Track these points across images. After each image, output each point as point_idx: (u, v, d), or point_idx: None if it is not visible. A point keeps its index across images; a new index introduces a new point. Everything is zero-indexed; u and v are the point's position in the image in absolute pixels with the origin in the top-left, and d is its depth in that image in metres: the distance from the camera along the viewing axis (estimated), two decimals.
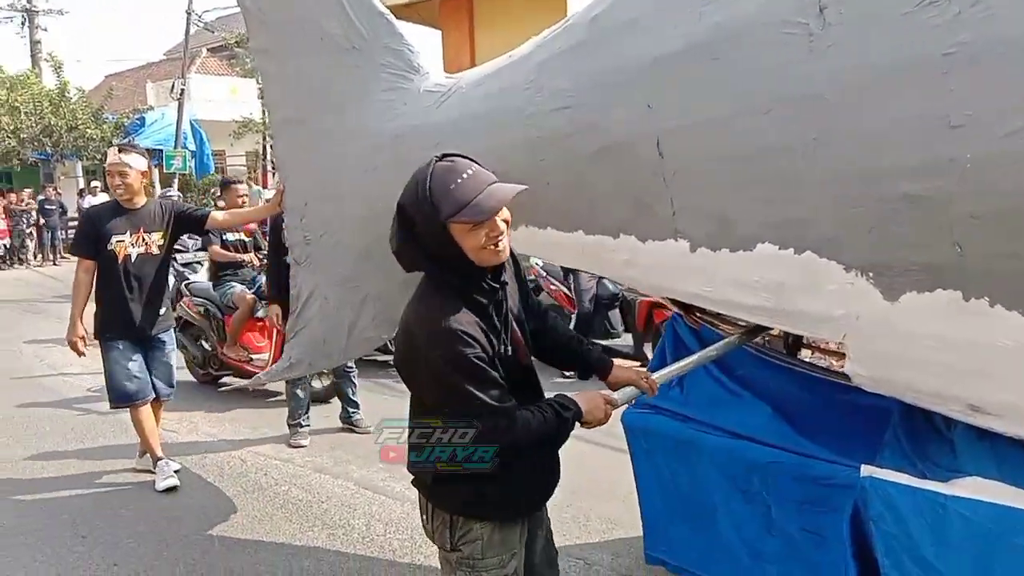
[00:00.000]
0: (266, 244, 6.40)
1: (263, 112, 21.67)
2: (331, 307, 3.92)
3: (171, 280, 7.34)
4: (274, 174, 18.10)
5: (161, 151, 19.56)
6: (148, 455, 5.00)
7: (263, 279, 6.45)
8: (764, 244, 2.30)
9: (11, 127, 21.83)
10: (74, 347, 4.72)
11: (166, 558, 4.01)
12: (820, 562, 2.51)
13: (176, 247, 8.72)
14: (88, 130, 22.37)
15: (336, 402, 6.16)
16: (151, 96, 25.44)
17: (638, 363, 2.69)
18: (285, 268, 5.37)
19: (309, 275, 4.01)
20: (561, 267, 7.73)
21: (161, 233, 4.74)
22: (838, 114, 2.04)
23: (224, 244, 7.14)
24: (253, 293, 6.94)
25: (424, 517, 2.25)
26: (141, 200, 4.76)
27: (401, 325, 2.12)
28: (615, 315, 7.89)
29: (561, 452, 2.26)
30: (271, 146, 17.94)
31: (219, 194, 11.85)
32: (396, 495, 4.61)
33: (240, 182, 7.46)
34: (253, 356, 6.92)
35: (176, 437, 5.84)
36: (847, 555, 2.39)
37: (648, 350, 6.90)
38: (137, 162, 4.71)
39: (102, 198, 16.75)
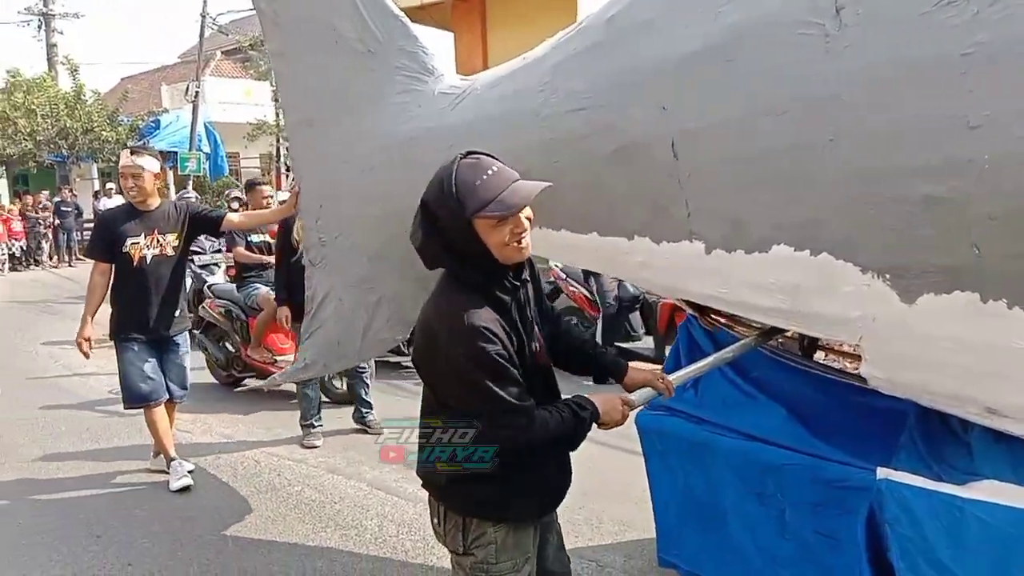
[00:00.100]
0: None
1: (277, 114, 21.75)
2: (346, 308, 3.93)
3: (188, 282, 7.36)
4: (288, 176, 18.18)
5: (176, 153, 19.69)
6: (162, 455, 5.03)
7: None
8: (780, 246, 2.29)
9: (27, 129, 21.99)
10: (80, 348, 4.75)
11: (180, 558, 4.03)
12: (834, 565, 2.49)
13: (194, 249, 8.78)
14: (103, 132, 22.49)
15: None
16: (166, 99, 25.56)
17: (658, 366, 2.70)
18: (295, 270, 5.45)
19: (324, 276, 4.02)
20: (582, 269, 7.65)
21: (176, 234, 4.77)
22: (855, 115, 2.04)
23: (248, 246, 7.13)
24: None
25: (435, 520, 2.25)
26: (155, 202, 4.78)
27: (420, 322, 2.11)
28: (636, 317, 7.82)
29: (573, 454, 2.26)
30: (286, 148, 18.01)
31: (232, 196, 11.88)
32: (409, 496, 4.62)
33: (265, 183, 7.47)
34: (277, 358, 6.88)
35: (190, 438, 5.86)
36: (862, 558, 2.38)
37: None
38: (150, 164, 4.73)
39: (117, 200, 16.88)
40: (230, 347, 7.25)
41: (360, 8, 3.56)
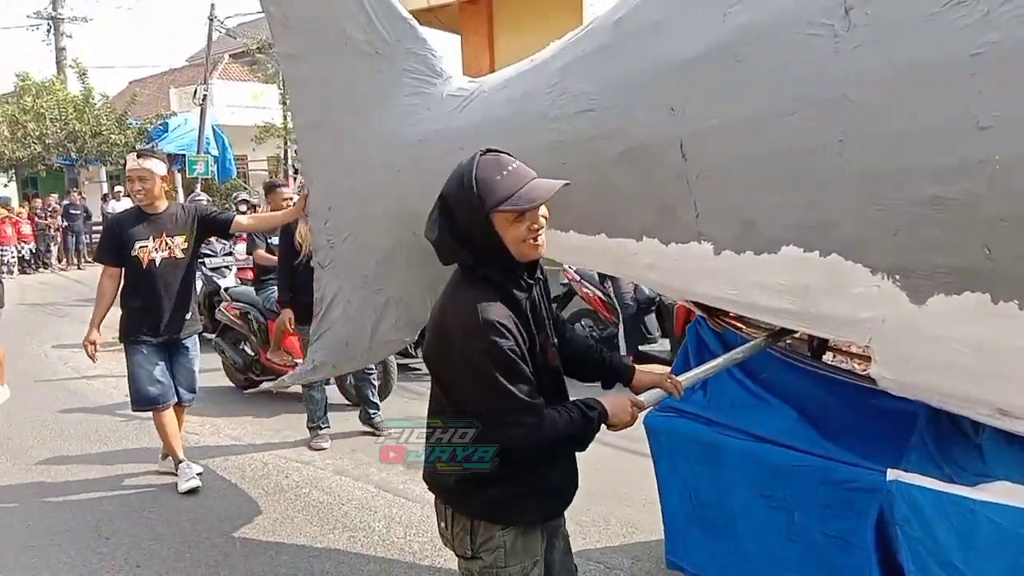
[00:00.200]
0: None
1: (284, 117, 21.80)
2: (354, 310, 3.94)
3: (199, 284, 7.33)
4: (295, 178, 18.20)
5: (184, 156, 19.73)
6: (171, 457, 5.04)
7: None
8: (789, 247, 2.28)
9: (37, 133, 22.08)
10: (86, 350, 4.77)
11: (188, 559, 4.04)
12: (843, 567, 2.48)
13: (205, 251, 8.79)
14: (112, 136, 22.56)
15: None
16: (174, 102, 25.63)
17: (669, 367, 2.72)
18: (297, 272, 5.44)
19: (332, 278, 4.03)
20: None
21: (184, 236, 4.78)
22: (864, 116, 2.03)
23: (269, 248, 7.09)
24: None
25: (443, 524, 2.24)
26: (162, 204, 4.79)
27: (432, 319, 2.12)
28: (652, 320, 7.67)
29: (581, 456, 2.26)
30: (294, 151, 18.02)
31: (239, 198, 11.89)
32: (416, 498, 4.62)
33: (285, 185, 7.44)
34: (298, 361, 6.79)
35: (198, 440, 5.87)
36: (872, 560, 2.36)
37: None
38: (156, 167, 4.74)
39: (126, 203, 16.95)
40: (249, 350, 7.18)
41: (368, 10, 3.57)
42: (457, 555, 2.22)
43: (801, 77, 2.15)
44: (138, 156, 4.78)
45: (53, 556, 4.10)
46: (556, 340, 2.27)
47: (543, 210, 2.01)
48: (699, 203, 2.49)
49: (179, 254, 4.76)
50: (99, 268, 4.87)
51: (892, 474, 2.30)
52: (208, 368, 6.04)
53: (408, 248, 3.56)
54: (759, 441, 2.76)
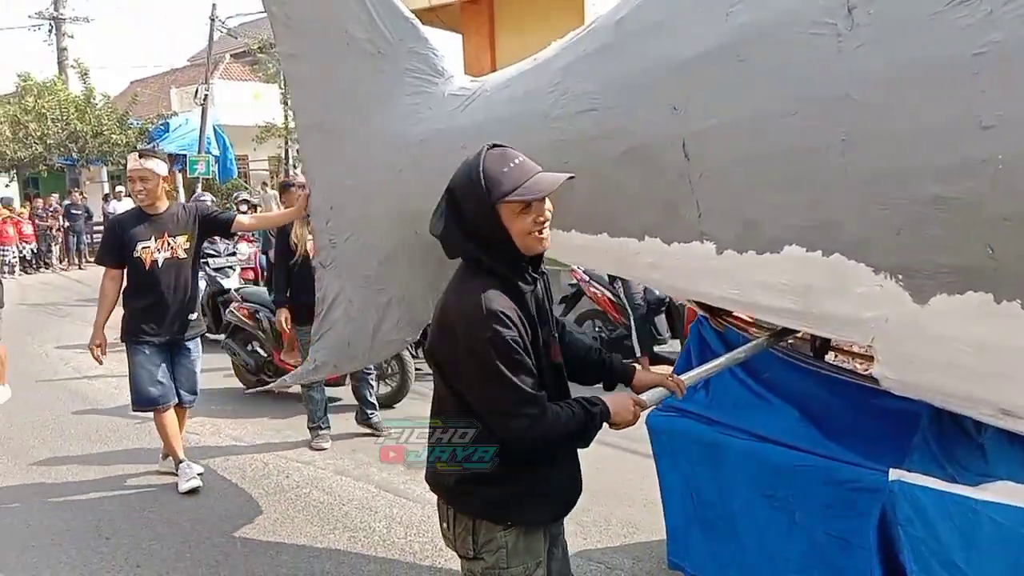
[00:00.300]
0: None
1: (286, 117, 21.80)
2: (356, 310, 3.94)
3: (202, 284, 7.27)
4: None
5: (185, 156, 19.73)
6: (171, 457, 5.03)
7: None
8: (791, 246, 2.28)
9: (38, 133, 22.09)
10: (93, 353, 4.77)
11: (188, 559, 4.04)
12: (845, 567, 2.48)
13: (208, 251, 8.77)
14: (113, 135, 22.57)
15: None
16: (175, 102, 25.65)
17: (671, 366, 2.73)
18: (293, 272, 5.44)
19: (334, 278, 4.03)
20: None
21: (186, 236, 4.77)
22: (867, 115, 2.03)
23: None
24: None
25: (445, 525, 2.24)
26: (163, 205, 4.78)
27: (436, 312, 2.13)
28: (662, 320, 7.59)
29: (582, 456, 2.26)
30: (296, 151, 18.00)
31: (240, 198, 11.90)
32: (417, 498, 4.62)
33: (301, 184, 7.40)
34: None
35: (199, 440, 5.87)
36: (873, 560, 2.37)
37: None
38: (158, 167, 4.73)
39: (127, 203, 16.96)
40: (262, 351, 7.05)
41: (370, 10, 3.57)
42: (459, 556, 2.22)
43: (803, 76, 2.15)
44: (140, 156, 4.76)
45: (54, 556, 4.10)
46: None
47: (548, 204, 2.04)
48: (701, 202, 2.49)
49: (181, 254, 4.75)
50: (100, 267, 4.87)
51: (894, 474, 2.31)
52: (209, 368, 6.04)
53: (410, 248, 3.56)
54: (761, 441, 2.76)
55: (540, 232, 2.03)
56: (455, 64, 3.70)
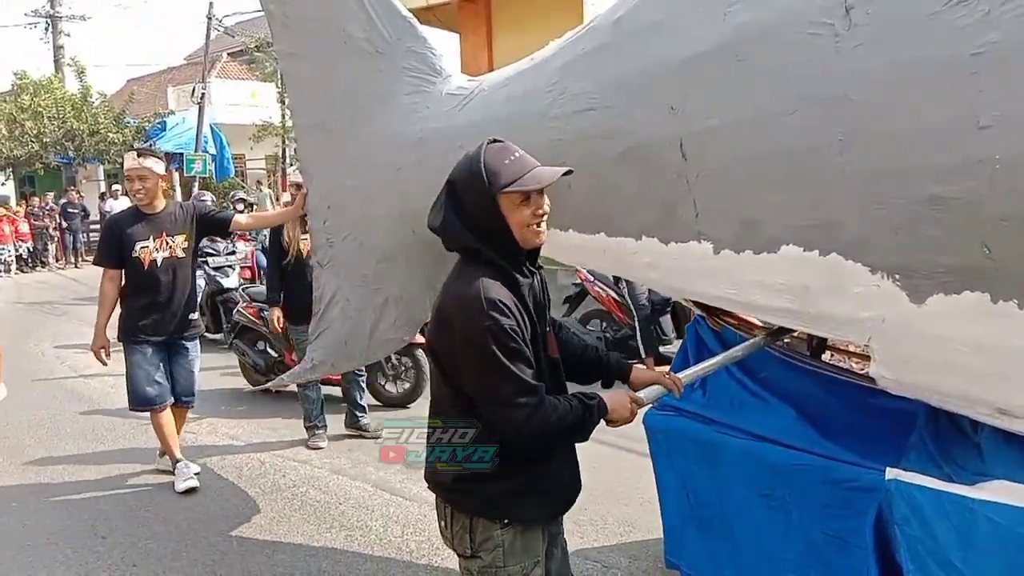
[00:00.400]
0: None
1: (283, 116, 21.77)
2: (353, 309, 3.94)
3: (201, 283, 7.22)
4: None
5: (182, 155, 19.69)
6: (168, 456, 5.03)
7: None
8: (789, 246, 2.28)
9: (34, 131, 22.02)
10: (97, 356, 4.76)
11: (185, 558, 4.03)
12: (842, 567, 2.48)
13: (208, 251, 8.75)
14: (110, 134, 22.51)
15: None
16: (172, 100, 25.61)
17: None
18: (286, 272, 5.45)
19: (331, 277, 4.02)
20: None
21: (184, 235, 4.76)
22: (864, 115, 2.03)
23: None
24: None
25: (443, 523, 2.24)
26: (160, 204, 4.77)
27: (436, 306, 2.15)
28: (667, 321, 7.55)
29: (578, 455, 2.26)
30: (293, 150, 17.95)
31: (236, 197, 11.87)
32: (413, 497, 4.62)
33: (298, 185, 7.35)
34: None
35: (195, 439, 5.86)
36: (870, 559, 2.37)
37: None
38: (156, 166, 4.73)
39: (123, 202, 16.92)
40: (272, 351, 6.93)
41: (368, 9, 3.57)
42: (457, 554, 2.22)
43: (801, 76, 2.15)
44: (138, 155, 4.75)
45: (49, 555, 4.10)
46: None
47: (547, 200, 2.08)
48: (699, 202, 2.49)
49: (180, 253, 4.74)
50: (96, 266, 4.85)
51: (891, 473, 2.31)
52: (206, 367, 6.02)
53: (408, 247, 3.56)
54: (758, 440, 2.77)
55: (538, 225, 2.07)
56: (452, 64, 3.70)
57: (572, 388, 2.22)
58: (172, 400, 4.89)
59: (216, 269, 9.10)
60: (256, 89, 25.87)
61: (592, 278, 7.57)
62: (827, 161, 2.12)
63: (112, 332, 4.78)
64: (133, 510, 4.66)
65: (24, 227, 19.83)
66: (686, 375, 2.45)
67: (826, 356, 3.29)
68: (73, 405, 6.97)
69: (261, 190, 20.24)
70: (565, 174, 2.07)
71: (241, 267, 9.76)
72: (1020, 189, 1.80)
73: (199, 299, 6.09)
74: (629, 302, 7.29)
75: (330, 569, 3.88)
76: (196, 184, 18.14)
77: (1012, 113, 1.79)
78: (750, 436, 2.80)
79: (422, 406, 6.23)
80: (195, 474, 4.97)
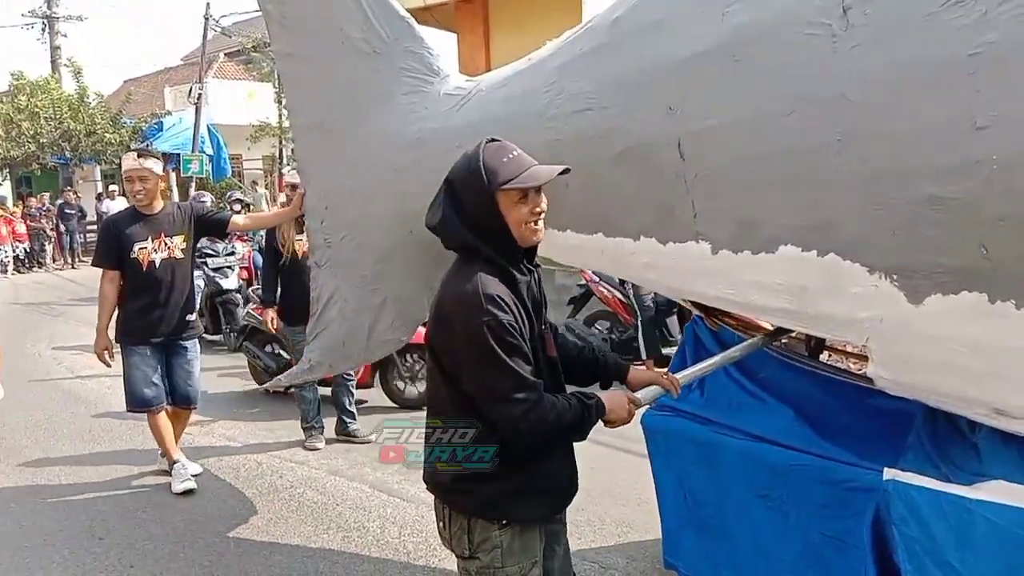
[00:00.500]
0: None
1: (280, 116, 21.74)
2: (351, 309, 3.93)
3: (200, 284, 7.18)
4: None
5: (179, 155, 19.68)
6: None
7: None
8: (787, 246, 2.29)
9: (31, 132, 22.01)
10: (101, 358, 4.74)
11: (182, 559, 4.02)
12: (839, 567, 2.49)
13: (207, 252, 8.74)
14: (107, 135, 22.51)
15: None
16: (169, 101, 25.57)
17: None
18: (282, 273, 5.46)
19: (329, 278, 4.02)
20: None
21: (183, 236, 4.75)
22: (862, 115, 2.03)
23: None
24: None
25: (441, 524, 2.24)
26: (159, 205, 4.76)
27: (436, 301, 2.16)
28: (673, 322, 7.43)
29: (576, 456, 2.26)
30: (290, 150, 17.93)
31: (233, 198, 11.85)
32: (411, 498, 4.61)
33: (294, 186, 7.34)
34: None
35: (192, 440, 5.84)
36: (867, 560, 2.37)
37: None
38: (156, 167, 4.72)
39: (120, 202, 16.90)
40: (284, 353, 6.60)
41: (366, 9, 3.57)
42: (455, 555, 2.22)
43: (799, 77, 2.15)
44: (139, 156, 4.73)
45: (47, 556, 4.09)
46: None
47: (544, 199, 2.10)
48: (697, 203, 2.49)
49: (178, 254, 4.73)
50: (93, 266, 4.84)
51: (889, 473, 2.31)
52: (203, 369, 6.00)
53: (406, 247, 3.55)
54: (756, 440, 2.77)
55: (535, 223, 2.09)
56: (450, 64, 3.69)
57: (570, 391, 2.23)
58: (169, 401, 4.87)
59: (215, 270, 9.07)
60: (253, 89, 25.83)
61: (597, 279, 7.50)
62: (825, 161, 2.12)
63: (110, 333, 4.77)
64: (130, 511, 4.65)
65: (21, 228, 19.81)
66: (684, 375, 2.45)
67: (824, 356, 3.29)
68: (70, 406, 6.96)
69: (256, 190, 20.21)
70: (562, 172, 2.08)
71: (240, 268, 9.74)
72: (1017, 189, 1.81)
73: (198, 300, 6.08)
74: (634, 303, 7.22)
75: (327, 570, 3.87)
76: (193, 185, 18.13)
77: (1009, 113, 1.79)
78: (748, 436, 2.80)
79: (392, 404, 6.24)
80: (193, 476, 4.95)
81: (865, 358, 2.34)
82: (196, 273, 5.26)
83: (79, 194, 22.39)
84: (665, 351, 7.19)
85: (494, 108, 3.16)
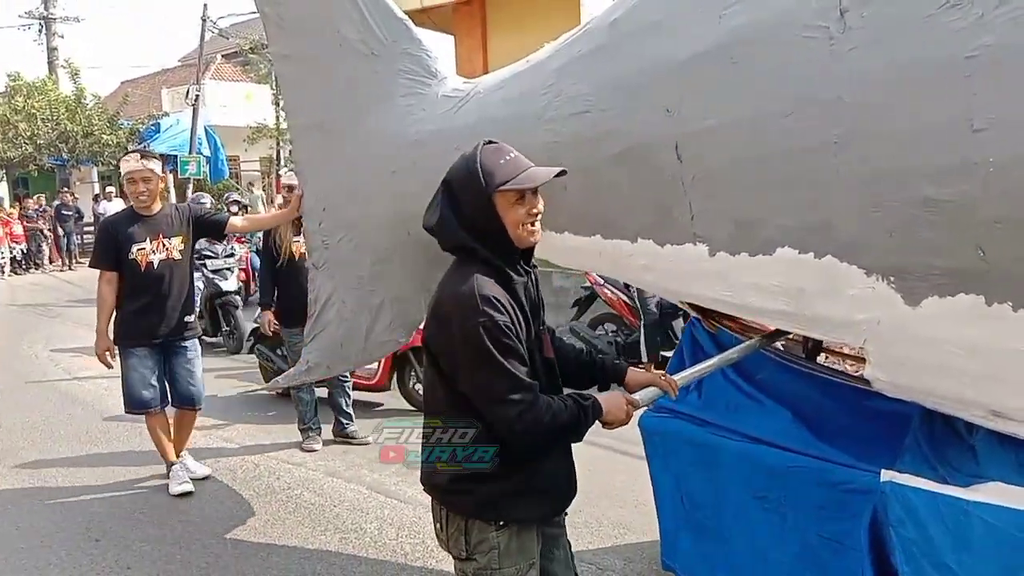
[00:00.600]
0: None
1: (277, 117, 21.75)
2: (348, 311, 3.93)
3: (200, 286, 7.16)
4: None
5: (176, 156, 19.68)
6: (173, 456, 4.99)
7: None
8: (784, 248, 2.29)
9: (28, 133, 21.97)
10: (102, 359, 4.73)
11: (179, 561, 4.02)
12: (837, 569, 2.49)
13: (206, 253, 8.73)
14: (104, 136, 22.46)
15: None
16: (166, 102, 25.54)
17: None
18: (278, 274, 5.45)
19: (327, 279, 4.01)
20: None
21: (181, 237, 4.74)
22: (859, 117, 2.04)
23: None
24: None
25: (438, 525, 2.24)
26: (157, 206, 4.76)
27: (433, 302, 2.16)
28: (679, 324, 7.21)
29: (574, 458, 2.26)
30: (289, 152, 17.95)
31: (231, 199, 11.85)
32: (408, 499, 4.61)
33: (291, 187, 7.31)
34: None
35: (190, 441, 5.82)
36: (865, 562, 2.37)
37: None
38: (158, 168, 4.72)
39: (117, 204, 16.88)
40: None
41: (363, 11, 3.56)
42: (452, 556, 2.22)
43: (796, 79, 2.16)
44: (142, 157, 4.72)
45: (43, 558, 4.08)
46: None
47: (541, 201, 2.11)
48: (694, 204, 2.49)
49: (176, 255, 4.72)
50: (90, 267, 4.83)
51: (886, 475, 2.31)
52: (207, 368, 6.00)
53: (404, 249, 3.55)
54: (754, 442, 2.77)
55: (532, 224, 2.09)
56: (447, 66, 3.69)
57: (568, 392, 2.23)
58: (168, 403, 4.86)
59: (215, 272, 9.05)
60: (250, 91, 25.80)
61: (602, 281, 7.45)
62: (822, 163, 2.13)
63: (108, 334, 4.76)
64: (128, 513, 4.64)
65: (18, 229, 19.78)
66: (682, 377, 2.44)
67: (821, 358, 3.29)
68: (67, 407, 6.95)
69: (252, 192, 20.20)
70: (559, 174, 2.09)
71: (239, 269, 9.73)
72: (1014, 192, 1.81)
73: (197, 302, 6.07)
74: (639, 305, 7.17)
75: (324, 571, 3.87)
76: (190, 186, 18.11)
77: (1006, 116, 1.80)
78: (746, 438, 2.80)
79: (391, 404, 6.23)
80: (201, 477, 4.96)
81: (862, 360, 2.35)
82: (195, 275, 5.24)
83: (76, 195, 22.36)
84: (667, 354, 7.03)
85: (492, 110, 3.16)
